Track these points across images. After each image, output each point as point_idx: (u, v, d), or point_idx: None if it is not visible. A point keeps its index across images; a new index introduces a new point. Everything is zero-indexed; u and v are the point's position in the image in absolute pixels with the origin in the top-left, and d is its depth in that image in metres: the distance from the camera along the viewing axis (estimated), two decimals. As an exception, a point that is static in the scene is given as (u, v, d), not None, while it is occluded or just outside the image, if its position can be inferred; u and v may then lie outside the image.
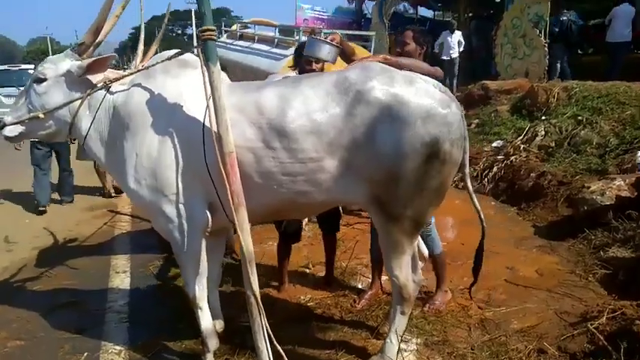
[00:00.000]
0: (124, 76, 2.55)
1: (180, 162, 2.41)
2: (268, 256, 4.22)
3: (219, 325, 2.93)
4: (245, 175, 2.31)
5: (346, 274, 3.90)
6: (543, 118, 7.00)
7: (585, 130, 6.15)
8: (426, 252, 3.11)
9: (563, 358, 2.74)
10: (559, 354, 2.76)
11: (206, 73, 2.24)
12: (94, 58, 2.49)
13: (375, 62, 2.55)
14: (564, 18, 9.13)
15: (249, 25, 8.32)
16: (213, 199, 2.43)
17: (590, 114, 6.43)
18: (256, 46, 6.97)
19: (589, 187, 4.67)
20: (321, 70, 3.22)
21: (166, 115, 2.45)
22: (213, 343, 2.72)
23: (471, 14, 15.11)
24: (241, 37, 7.87)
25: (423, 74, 2.48)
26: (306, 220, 4.72)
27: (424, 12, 19.47)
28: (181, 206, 2.47)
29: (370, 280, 3.65)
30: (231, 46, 7.74)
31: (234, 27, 8.54)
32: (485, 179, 6.43)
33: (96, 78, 2.53)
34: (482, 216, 2.64)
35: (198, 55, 2.26)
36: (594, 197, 4.50)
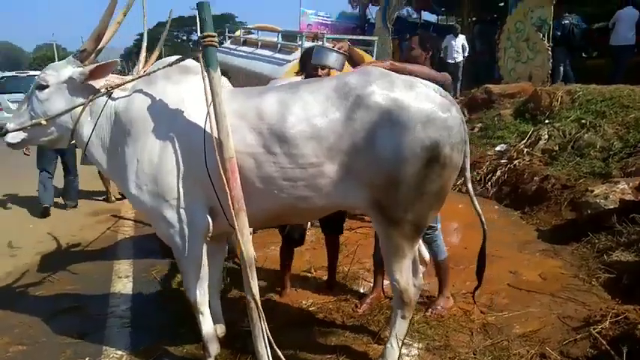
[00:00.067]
0: (125, 83, 2.57)
1: (181, 167, 2.43)
2: (271, 261, 4.23)
3: (221, 329, 2.93)
4: (246, 180, 2.33)
5: (348, 279, 3.89)
6: (547, 121, 6.98)
7: (589, 134, 6.13)
8: (427, 256, 3.10)
9: (565, 363, 2.72)
10: (561, 359, 2.74)
11: (206, 79, 2.26)
12: (96, 65, 2.51)
13: (374, 67, 2.56)
14: (566, 22, 9.13)
15: (252, 30, 8.36)
16: (214, 204, 2.44)
17: (594, 117, 6.41)
18: (259, 51, 6.99)
19: (592, 191, 4.65)
20: (327, 75, 3.24)
21: (167, 121, 2.47)
22: (214, 348, 2.72)
23: (474, 18, 15.14)
24: (245, 43, 7.90)
25: (430, 81, 2.48)
26: (309, 224, 4.74)
27: (428, 16, 19.54)
28: (182, 211, 2.48)
29: (372, 285, 3.65)
30: (235, 52, 7.78)
31: (237, 33, 8.58)
32: (489, 183, 6.42)
33: (98, 84, 2.55)
34: (483, 219, 2.63)
35: (198, 61, 2.28)
36: (598, 201, 4.48)
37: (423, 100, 2.29)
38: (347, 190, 2.36)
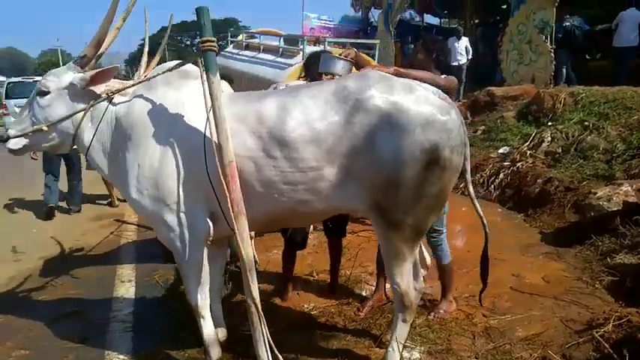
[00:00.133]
0: (125, 88, 2.58)
1: (182, 172, 2.44)
2: (273, 264, 4.24)
3: (222, 333, 2.94)
4: (246, 184, 2.34)
5: (350, 282, 3.89)
6: (550, 123, 6.96)
7: (592, 136, 6.11)
8: (428, 260, 3.10)
9: (568, 366, 2.71)
10: (564, 362, 2.73)
11: (206, 83, 2.27)
12: (97, 70, 2.53)
13: (374, 71, 2.56)
14: (567, 24, 9.11)
15: (255, 35, 8.39)
16: (215, 208, 2.45)
17: (597, 119, 6.39)
18: (261, 55, 7.01)
19: (595, 193, 4.63)
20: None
21: (168, 126, 2.48)
22: (215, 352, 2.73)
23: (476, 21, 15.14)
24: (247, 47, 7.93)
25: (436, 87, 2.48)
26: (312, 228, 4.74)
27: (430, 19, 19.56)
28: (183, 215, 2.49)
29: (374, 288, 3.65)
30: (237, 56, 7.81)
31: (240, 37, 8.61)
32: (492, 186, 6.39)
33: (99, 89, 2.57)
34: (484, 221, 2.63)
35: (198, 66, 2.30)
36: (601, 203, 4.46)
37: (422, 103, 2.30)
38: (347, 194, 2.36)
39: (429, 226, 2.59)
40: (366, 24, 18.60)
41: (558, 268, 4.06)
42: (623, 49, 8.69)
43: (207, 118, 2.28)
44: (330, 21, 19.68)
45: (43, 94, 2.57)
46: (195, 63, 2.33)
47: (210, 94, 2.24)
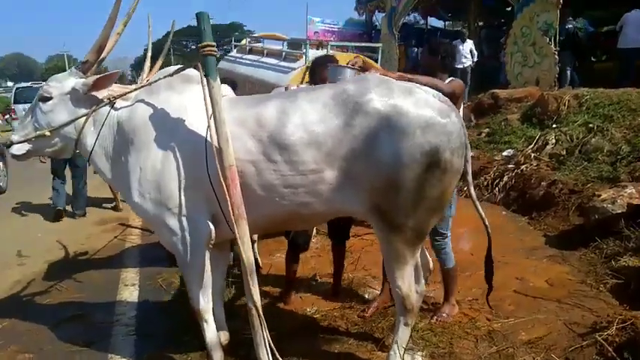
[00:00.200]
0: (127, 92, 2.60)
1: (184, 175, 2.45)
2: (276, 268, 4.25)
3: (225, 337, 2.94)
4: (247, 187, 2.34)
5: (353, 286, 3.88)
6: (554, 126, 6.95)
7: (596, 138, 6.08)
8: (431, 263, 3.09)
9: (571, 370, 2.69)
10: (567, 366, 2.71)
11: (206, 88, 2.28)
12: (99, 75, 2.55)
13: (373, 74, 2.57)
14: (569, 26, 9.10)
15: (258, 39, 8.43)
16: (216, 211, 2.46)
17: (602, 121, 6.37)
18: (265, 59, 7.05)
19: (600, 196, 4.60)
20: None
21: (170, 130, 2.50)
22: (218, 356, 2.73)
23: (480, 23, 15.14)
24: (250, 51, 7.97)
25: (442, 93, 2.48)
26: (315, 231, 4.74)
27: (434, 22, 19.57)
28: (185, 219, 2.50)
29: (378, 292, 3.65)
30: (241, 60, 7.85)
31: (243, 41, 8.66)
32: (496, 189, 6.38)
33: (101, 94, 2.58)
34: (486, 223, 2.63)
35: (199, 70, 2.31)
36: (605, 205, 4.44)
37: (421, 105, 2.30)
38: (347, 196, 2.37)
39: (430, 229, 2.58)
40: (370, 27, 18.63)
41: (562, 271, 4.03)
42: (628, 50, 8.65)
43: (208, 122, 2.29)
44: (334, 25, 19.73)
45: (46, 99, 2.59)
46: (196, 67, 2.34)
47: (211, 98, 2.25)
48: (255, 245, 4.32)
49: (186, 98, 2.54)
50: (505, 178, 6.36)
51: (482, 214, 2.61)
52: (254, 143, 2.36)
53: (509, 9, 12.14)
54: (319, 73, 3.38)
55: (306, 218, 2.57)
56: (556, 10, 8.96)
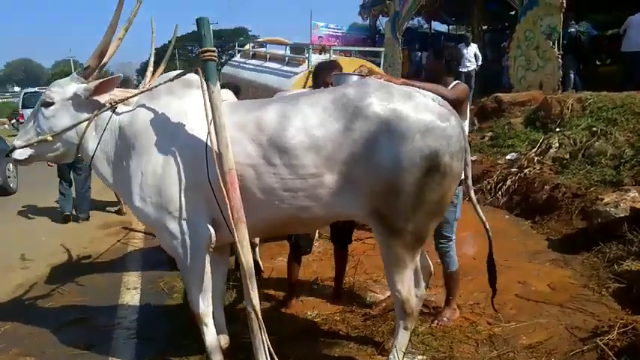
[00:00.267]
0: (128, 97, 2.62)
1: (184, 179, 2.46)
2: (277, 272, 4.25)
3: (224, 340, 2.94)
4: (247, 191, 2.35)
5: (355, 289, 3.88)
6: (557, 129, 6.92)
7: (600, 142, 6.06)
8: (431, 267, 3.09)
9: (572, 375, 2.68)
10: (568, 370, 2.70)
11: (206, 92, 2.30)
12: (100, 80, 2.57)
13: (373, 79, 2.58)
14: (572, 30, 9.09)
15: (262, 44, 8.45)
16: (217, 215, 2.47)
17: (605, 125, 6.34)
18: (268, 64, 7.06)
19: (603, 199, 4.58)
20: None
21: (170, 134, 2.51)
22: (217, 359, 2.73)
23: (484, 27, 15.13)
24: (254, 56, 7.99)
25: (446, 100, 2.49)
26: (317, 235, 4.74)
27: (438, 26, 19.58)
28: (185, 223, 2.51)
29: (379, 295, 3.64)
30: (244, 65, 7.87)
31: (247, 46, 8.69)
32: (499, 192, 6.35)
33: (102, 99, 2.61)
34: (487, 226, 2.63)
35: (199, 75, 2.32)
36: (608, 209, 4.42)
37: (421, 109, 2.31)
38: (347, 200, 2.37)
39: (429, 233, 2.58)
40: (374, 32, 18.67)
41: (565, 275, 4.02)
42: (632, 53, 8.61)
43: (208, 127, 2.30)
44: (338, 29, 19.79)
45: (48, 104, 2.62)
46: (197, 72, 2.36)
47: (211, 102, 2.27)
48: (257, 249, 4.33)
49: (187, 103, 2.55)
50: (508, 182, 6.33)
51: (483, 217, 2.61)
52: (254, 147, 2.37)
53: (512, 13, 12.15)
54: (322, 77, 3.39)
55: (305, 222, 2.58)
56: (559, 14, 8.94)
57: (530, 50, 9.75)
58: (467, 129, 3.22)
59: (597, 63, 12.48)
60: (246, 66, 7.68)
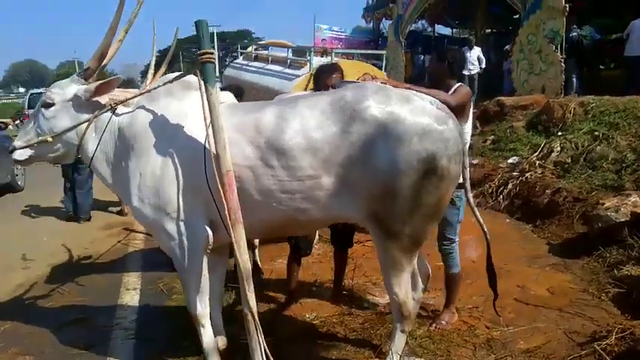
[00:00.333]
0: (128, 99, 2.64)
1: (182, 180, 2.47)
2: (277, 273, 4.26)
3: (222, 342, 2.94)
4: (245, 192, 2.36)
5: (354, 292, 3.88)
6: (559, 133, 6.92)
7: (602, 146, 6.05)
8: (430, 270, 3.09)
9: (569, 379, 2.67)
10: (565, 375, 2.69)
11: (205, 94, 2.31)
12: (101, 81, 2.58)
13: (371, 81, 2.59)
14: (574, 34, 9.09)
15: (268, 46, 8.47)
16: (215, 216, 2.47)
17: (607, 129, 6.34)
18: (270, 66, 7.08)
19: (604, 204, 4.57)
20: None
21: (169, 136, 2.52)
22: (214, 361, 2.73)
23: (488, 31, 15.13)
24: (256, 59, 8.01)
25: (449, 106, 2.50)
26: (317, 237, 4.74)
27: (442, 30, 19.61)
28: (183, 224, 2.52)
29: (378, 298, 3.63)
30: (247, 68, 7.89)
31: (249, 49, 8.71)
32: (501, 196, 6.34)
33: (103, 100, 2.62)
34: (485, 230, 2.63)
35: (198, 76, 2.34)
36: (609, 214, 4.41)
37: (419, 113, 2.32)
38: (344, 203, 2.38)
39: (427, 236, 2.58)
40: (378, 35, 18.71)
41: (564, 279, 4.01)
42: (635, 58, 8.61)
43: (207, 129, 2.31)
44: (341, 32, 19.84)
45: (48, 105, 2.63)
46: (196, 74, 2.37)
47: (209, 104, 2.28)
48: (257, 250, 4.34)
49: (187, 105, 2.56)
50: (509, 186, 6.33)
51: (481, 220, 2.62)
52: (252, 149, 2.38)
53: (516, 16, 12.16)
54: (323, 80, 3.40)
55: (303, 224, 2.58)
56: (562, 18, 8.94)
57: (533, 54, 9.75)
58: (469, 132, 3.23)
59: (601, 67, 12.44)
60: (249, 68, 7.70)
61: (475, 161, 7.03)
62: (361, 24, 20.38)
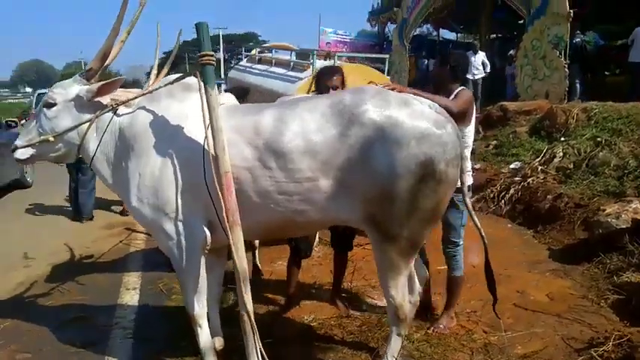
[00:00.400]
0: (129, 100, 2.66)
1: (181, 181, 2.49)
2: (276, 275, 4.27)
3: (219, 342, 2.95)
4: (243, 193, 2.37)
5: (352, 295, 3.88)
6: (562, 139, 6.91)
7: (604, 152, 6.04)
8: (426, 273, 3.09)
9: (565, 385, 2.67)
10: (561, 380, 2.68)
11: (204, 96, 2.33)
12: (103, 82, 2.61)
13: (370, 85, 2.60)
14: (577, 40, 9.08)
15: (273, 49, 8.52)
16: (213, 217, 2.49)
17: (610, 135, 6.32)
18: (273, 69, 7.11)
19: (605, 210, 4.56)
20: None
21: (169, 137, 2.54)
22: (211, 361, 2.74)
23: (493, 36, 15.13)
24: (260, 61, 8.05)
25: (452, 113, 2.51)
26: (317, 240, 4.75)
27: (447, 34, 19.62)
28: (181, 224, 2.53)
29: (377, 301, 3.64)
30: (251, 70, 7.93)
31: (253, 51, 8.76)
32: (502, 201, 6.33)
33: (105, 100, 2.64)
34: (483, 234, 2.64)
35: (197, 78, 2.35)
36: (609, 220, 4.39)
37: (417, 116, 2.33)
38: (342, 205, 2.38)
39: (424, 239, 2.59)
40: (382, 39, 18.75)
41: (564, 285, 4.00)
42: (639, 64, 8.58)
43: (205, 130, 2.33)
44: (346, 35, 19.91)
45: (50, 105, 2.65)
46: (196, 76, 2.39)
47: (208, 105, 2.30)
48: (257, 252, 4.35)
49: (187, 106, 2.58)
50: (511, 191, 6.32)
51: (478, 224, 2.62)
52: (250, 150, 2.39)
53: (521, 22, 12.16)
54: (323, 82, 3.42)
55: (301, 225, 2.59)
56: (567, 24, 8.93)
57: (537, 59, 9.74)
58: (472, 136, 3.23)
59: (606, 73, 12.41)
60: (252, 71, 7.74)
61: (477, 166, 7.02)
62: (366, 28, 20.46)
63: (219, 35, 35.83)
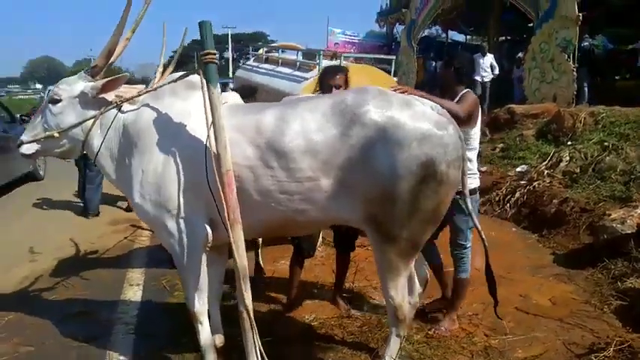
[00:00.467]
0: (134, 97, 2.68)
1: (183, 179, 2.50)
2: (279, 274, 4.28)
3: (220, 339, 2.97)
4: (244, 192, 2.38)
5: (354, 295, 3.89)
6: (569, 143, 6.87)
7: (611, 157, 5.99)
8: (427, 276, 3.09)
9: (565, 390, 2.65)
10: (562, 385, 2.67)
11: (207, 94, 2.34)
12: (108, 79, 2.63)
13: (372, 86, 2.60)
14: (586, 43, 9.03)
15: (276, 49, 8.54)
16: (214, 215, 2.50)
17: (617, 140, 6.28)
18: (280, 69, 7.13)
19: (610, 215, 4.53)
20: None
21: (172, 134, 2.56)
22: (211, 358, 2.75)
23: (502, 38, 15.06)
24: (267, 61, 8.07)
25: (458, 117, 2.52)
26: (321, 239, 4.75)
27: (456, 36, 19.55)
28: (182, 221, 2.55)
29: (377, 302, 3.65)
30: (257, 69, 7.95)
31: (260, 51, 8.78)
32: (508, 204, 6.30)
33: (109, 97, 2.66)
34: (483, 235, 2.63)
35: (200, 76, 2.37)
36: (614, 225, 4.36)
37: (419, 117, 2.33)
38: (343, 205, 2.39)
39: (425, 241, 2.58)
40: (391, 39, 18.72)
41: (567, 290, 3.98)
42: (649, 69, 8.53)
43: (207, 128, 2.34)
44: (354, 36, 19.89)
45: (55, 101, 2.68)
46: (198, 74, 2.40)
47: (211, 104, 2.31)
48: (260, 251, 4.36)
49: (190, 104, 2.59)
50: (517, 194, 6.29)
51: (479, 226, 2.62)
52: (252, 149, 2.40)
53: (530, 25, 12.10)
54: (327, 81, 3.43)
55: (302, 224, 2.60)
56: (575, 27, 8.88)
57: (545, 63, 9.69)
58: (477, 138, 3.23)
59: (616, 77, 12.31)
60: (259, 70, 7.76)
61: (484, 169, 7.00)
62: (375, 28, 20.43)
63: (228, 34, 35.86)
